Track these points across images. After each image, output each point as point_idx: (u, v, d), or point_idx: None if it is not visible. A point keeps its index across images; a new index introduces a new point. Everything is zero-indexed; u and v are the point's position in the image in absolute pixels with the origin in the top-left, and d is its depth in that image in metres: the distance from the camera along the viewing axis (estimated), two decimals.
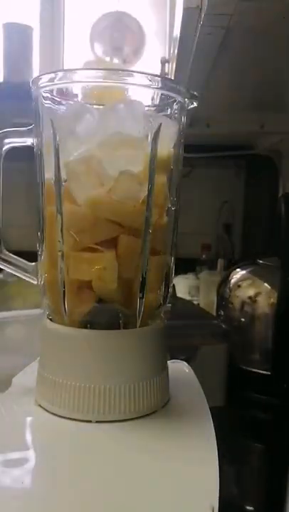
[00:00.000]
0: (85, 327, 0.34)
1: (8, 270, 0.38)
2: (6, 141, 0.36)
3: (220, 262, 1.19)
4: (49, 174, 0.34)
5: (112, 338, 0.33)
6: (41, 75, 0.33)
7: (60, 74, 0.33)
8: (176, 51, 0.66)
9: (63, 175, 0.33)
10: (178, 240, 0.38)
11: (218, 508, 0.25)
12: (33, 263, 0.38)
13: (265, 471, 0.57)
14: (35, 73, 1.32)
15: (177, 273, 1.01)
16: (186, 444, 0.31)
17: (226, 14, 0.46)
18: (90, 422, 0.32)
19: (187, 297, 1.13)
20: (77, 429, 0.32)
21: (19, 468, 0.28)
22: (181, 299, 0.93)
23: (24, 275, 0.38)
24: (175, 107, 0.35)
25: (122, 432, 0.32)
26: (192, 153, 1.13)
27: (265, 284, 0.73)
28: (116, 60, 1.27)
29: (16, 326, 0.61)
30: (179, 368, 0.45)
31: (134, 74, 0.33)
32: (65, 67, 1.35)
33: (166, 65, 1.05)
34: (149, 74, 0.33)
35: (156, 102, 0.35)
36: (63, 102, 0.34)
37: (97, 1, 1.34)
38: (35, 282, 0.38)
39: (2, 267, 0.38)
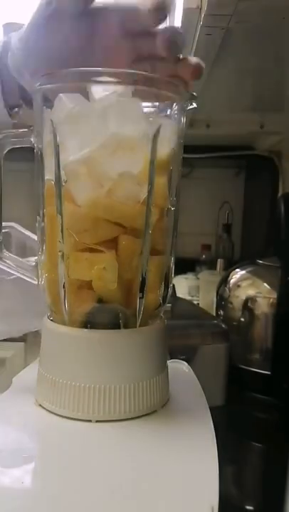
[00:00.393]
0: (85, 327, 0.34)
1: (9, 270, 0.38)
2: (6, 141, 0.36)
3: (220, 262, 1.19)
4: (49, 175, 0.34)
5: (112, 338, 0.33)
6: (41, 75, 0.33)
7: (60, 74, 0.33)
8: None
9: (63, 175, 0.33)
10: (178, 240, 0.38)
11: (218, 508, 0.25)
12: (33, 263, 0.38)
13: (265, 471, 0.57)
14: None
15: (177, 273, 1.01)
16: (186, 444, 0.31)
17: (225, 15, 0.46)
18: (90, 421, 0.32)
19: (187, 297, 1.14)
20: (77, 429, 0.32)
21: (19, 468, 0.28)
22: (181, 299, 0.93)
23: (24, 275, 0.38)
24: (175, 107, 0.35)
25: (122, 431, 0.32)
26: (192, 154, 1.14)
27: (265, 284, 0.73)
28: None
29: None
30: (179, 368, 0.45)
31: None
32: None
33: None
34: (148, 74, 0.33)
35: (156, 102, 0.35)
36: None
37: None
38: (35, 282, 0.38)
39: (2, 267, 0.38)
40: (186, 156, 0.38)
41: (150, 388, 0.34)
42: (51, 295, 0.36)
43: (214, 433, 0.32)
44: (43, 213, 0.36)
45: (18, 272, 0.38)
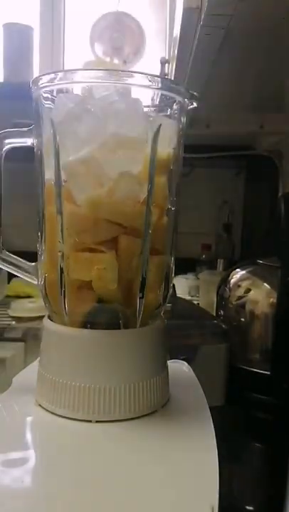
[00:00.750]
0: (85, 327, 0.34)
1: (8, 270, 0.38)
2: (6, 141, 0.36)
3: (220, 262, 1.19)
4: (49, 174, 0.34)
5: (112, 338, 0.33)
6: (41, 75, 0.33)
7: (60, 74, 0.33)
8: (176, 51, 0.66)
9: (63, 175, 0.33)
10: (178, 240, 0.38)
11: (218, 508, 0.25)
12: (33, 263, 0.38)
13: (265, 471, 0.57)
14: (35, 73, 1.33)
15: (177, 273, 1.01)
16: (186, 444, 0.31)
17: (225, 15, 0.46)
18: (90, 422, 0.32)
19: (187, 297, 1.14)
20: (77, 429, 0.32)
21: (19, 468, 0.28)
22: (181, 298, 0.93)
23: (24, 275, 0.38)
24: (175, 107, 0.35)
25: (122, 431, 0.32)
26: (192, 153, 1.13)
27: (265, 284, 0.73)
28: (116, 61, 1.27)
29: None
30: (179, 368, 0.45)
31: (134, 74, 0.33)
32: (65, 68, 1.35)
33: (166, 65, 1.05)
34: (149, 74, 0.33)
35: (156, 102, 0.35)
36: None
37: (97, 1, 1.34)
38: (35, 282, 0.38)
39: (2, 267, 0.38)
40: (186, 155, 0.38)
41: (150, 388, 0.33)
42: (51, 295, 0.35)
43: (214, 433, 0.32)
44: (43, 213, 0.36)
45: (18, 272, 0.38)
